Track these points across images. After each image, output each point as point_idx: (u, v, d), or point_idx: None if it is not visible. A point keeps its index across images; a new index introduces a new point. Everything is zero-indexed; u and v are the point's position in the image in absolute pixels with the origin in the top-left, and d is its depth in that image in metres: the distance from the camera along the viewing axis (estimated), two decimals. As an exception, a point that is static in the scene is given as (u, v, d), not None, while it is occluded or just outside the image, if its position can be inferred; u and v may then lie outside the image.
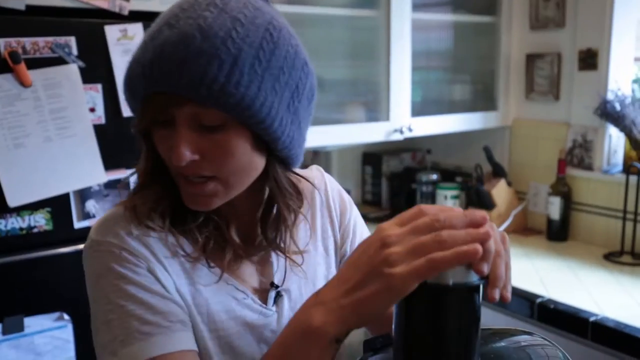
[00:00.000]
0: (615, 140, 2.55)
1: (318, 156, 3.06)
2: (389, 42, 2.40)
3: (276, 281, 0.94)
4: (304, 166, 1.03)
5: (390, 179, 3.19)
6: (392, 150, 3.18)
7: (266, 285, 0.94)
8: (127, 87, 0.80)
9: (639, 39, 2.55)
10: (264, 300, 0.93)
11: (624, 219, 2.41)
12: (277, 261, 0.95)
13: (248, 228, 0.92)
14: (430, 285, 0.59)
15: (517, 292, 2.06)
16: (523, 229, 2.83)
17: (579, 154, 2.59)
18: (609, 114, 2.41)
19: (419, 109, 2.55)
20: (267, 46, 0.78)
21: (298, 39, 0.85)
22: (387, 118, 2.43)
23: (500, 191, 2.74)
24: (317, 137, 2.20)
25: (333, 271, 1.04)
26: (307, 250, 0.98)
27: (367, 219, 2.83)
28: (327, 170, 3.13)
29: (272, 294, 0.93)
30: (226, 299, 0.89)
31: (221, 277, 0.88)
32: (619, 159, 2.57)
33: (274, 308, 0.93)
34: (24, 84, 1.60)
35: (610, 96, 2.43)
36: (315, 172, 1.10)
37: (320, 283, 0.97)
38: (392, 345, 0.65)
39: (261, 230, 0.91)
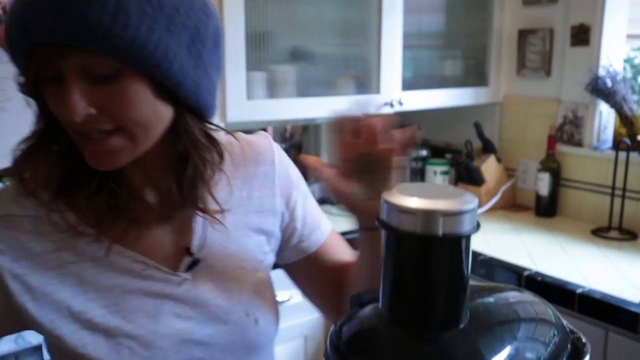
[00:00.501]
0: (605, 117, 2.56)
1: (308, 131, 3.04)
2: (380, 18, 2.38)
3: (194, 249, 0.84)
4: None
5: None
6: (383, 127, 3.16)
7: (182, 253, 0.85)
8: (7, 42, 0.72)
9: (631, 15, 2.54)
10: (177, 268, 0.84)
11: (612, 195, 2.42)
12: (200, 228, 0.86)
13: (163, 189, 0.84)
14: (419, 235, 0.58)
15: (505, 265, 2.08)
16: (512, 205, 2.84)
17: (569, 131, 2.59)
18: (600, 90, 2.41)
19: (409, 84, 2.53)
20: None
21: None
22: (377, 91, 2.41)
23: (489, 167, 2.74)
24: (307, 108, 2.19)
25: (266, 251, 0.94)
26: (229, 210, 0.86)
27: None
28: (317, 145, 3.14)
29: (186, 260, 0.83)
30: (119, 274, 0.80)
31: (109, 251, 0.79)
32: (608, 135, 2.58)
33: (184, 275, 0.83)
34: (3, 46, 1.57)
35: (601, 72, 2.43)
36: (262, 140, 0.98)
37: (249, 258, 0.89)
38: (379, 299, 0.65)
39: (177, 188, 0.82)
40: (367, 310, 0.67)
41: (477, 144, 2.79)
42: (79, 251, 0.79)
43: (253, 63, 2.07)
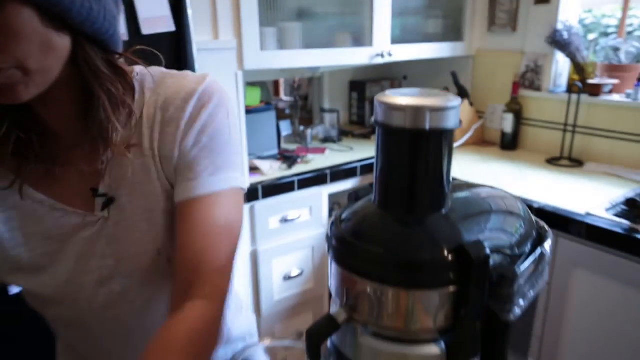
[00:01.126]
0: (561, 65, 2.52)
1: (312, 83, 2.98)
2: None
3: (105, 189, 0.71)
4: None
5: (372, 103, 3.13)
6: (374, 79, 3.12)
7: (90, 193, 0.72)
8: None
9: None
10: (92, 209, 0.72)
11: (564, 130, 2.43)
12: (111, 169, 0.72)
13: (73, 128, 0.70)
14: (409, 129, 0.55)
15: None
16: (481, 142, 2.84)
17: (530, 78, 2.55)
18: (557, 41, 2.36)
19: (397, 39, 2.46)
20: None
21: None
22: (370, 44, 2.35)
23: (463, 110, 2.71)
24: (311, 59, 2.16)
25: (165, 184, 0.74)
26: (136, 145, 0.71)
27: (353, 135, 2.84)
28: (320, 94, 3.08)
29: (99, 200, 0.71)
30: (42, 218, 0.70)
31: (22, 195, 0.69)
32: (563, 81, 2.55)
33: (99, 214, 0.72)
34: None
35: (559, 26, 2.36)
36: (194, 76, 0.75)
37: (158, 197, 0.73)
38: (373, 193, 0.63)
39: (85, 124, 0.67)
40: (362, 202, 0.65)
41: (453, 90, 2.75)
42: (7, 202, 0.70)
43: (265, 20, 2.02)
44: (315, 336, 0.60)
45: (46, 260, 0.71)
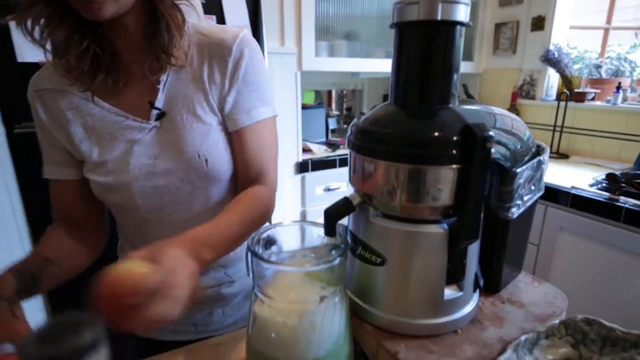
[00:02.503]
0: (552, 79, 2.30)
1: (355, 94, 2.88)
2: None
3: (158, 104, 0.66)
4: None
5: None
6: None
7: (148, 106, 0.67)
8: None
9: (574, 10, 2.22)
10: (148, 118, 0.67)
11: (554, 130, 2.20)
12: (164, 88, 0.66)
13: (138, 52, 0.64)
14: (422, 20, 0.44)
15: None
16: (484, 140, 2.61)
17: (527, 89, 2.34)
18: (549, 59, 2.15)
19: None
20: None
21: None
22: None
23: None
24: (353, 65, 2.06)
25: (216, 112, 0.68)
26: (188, 67, 0.66)
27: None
28: (360, 102, 2.95)
29: (154, 112, 0.66)
30: (108, 123, 0.66)
31: (94, 102, 0.65)
32: (553, 91, 2.32)
33: (154, 122, 0.66)
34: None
35: (551, 47, 2.14)
36: (232, 29, 0.69)
37: (203, 114, 0.67)
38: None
39: (145, 45, 0.63)
40: (380, 105, 0.54)
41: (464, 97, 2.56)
42: (83, 110, 0.66)
43: (319, 36, 1.96)
44: (332, 215, 0.51)
45: (108, 155, 0.66)
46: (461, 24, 0.44)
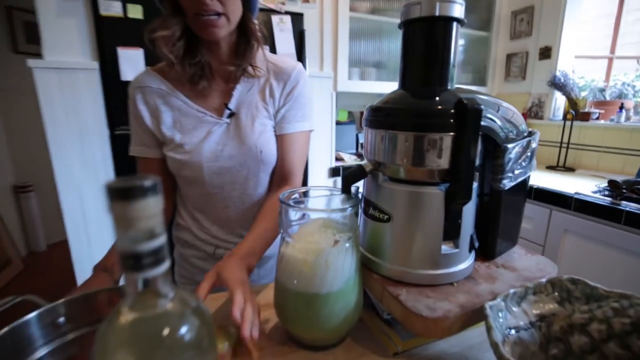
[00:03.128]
0: (559, 101, 2.20)
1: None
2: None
3: (231, 106, 0.73)
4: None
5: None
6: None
7: (224, 107, 0.74)
8: None
9: (578, 41, 2.13)
10: (221, 116, 0.74)
11: (560, 147, 2.10)
12: (237, 94, 0.74)
13: (226, 68, 0.72)
14: (423, 17, 0.46)
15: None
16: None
17: (535, 110, 2.26)
18: (556, 84, 2.07)
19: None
20: None
21: None
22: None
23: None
24: (380, 87, 2.07)
25: (270, 117, 0.76)
26: (259, 77, 0.74)
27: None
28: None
29: (226, 112, 0.73)
30: (193, 118, 0.73)
31: (187, 104, 0.72)
32: (560, 112, 2.23)
33: (226, 119, 0.73)
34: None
35: (557, 73, 2.06)
36: (292, 61, 0.80)
37: (261, 117, 0.75)
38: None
39: (236, 58, 0.71)
40: (390, 93, 0.56)
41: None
42: (172, 110, 0.73)
43: (352, 64, 1.99)
44: (348, 178, 0.53)
45: (187, 140, 0.73)
46: (457, 19, 0.46)
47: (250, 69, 0.72)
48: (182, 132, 0.73)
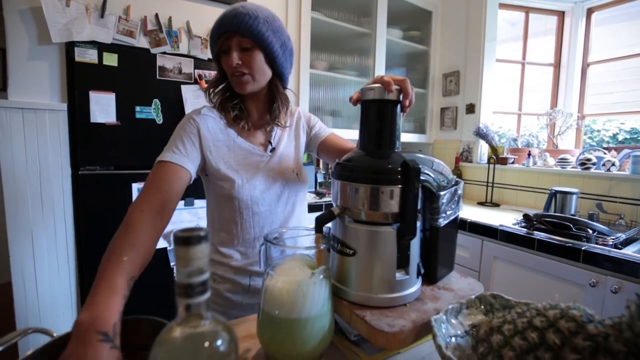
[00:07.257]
0: (483, 148, 2.50)
1: (338, 157, 3.05)
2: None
3: (273, 142, 0.89)
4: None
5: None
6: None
7: (267, 143, 0.89)
8: (211, 34, 0.80)
9: (495, 99, 2.50)
10: (265, 150, 0.88)
11: (487, 185, 2.36)
12: (275, 133, 0.90)
13: (262, 115, 0.88)
14: (377, 100, 0.59)
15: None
16: (437, 193, 2.76)
17: (466, 155, 2.55)
18: (480, 133, 2.37)
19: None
20: (272, 18, 0.79)
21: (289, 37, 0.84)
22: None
23: (426, 174, 2.68)
24: (337, 133, 2.21)
25: (302, 149, 0.94)
26: (288, 127, 0.92)
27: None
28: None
29: (269, 147, 0.88)
30: (244, 150, 0.85)
31: (237, 139, 0.85)
32: (485, 156, 2.52)
33: (268, 153, 0.88)
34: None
35: (481, 125, 2.38)
36: (296, 107, 0.99)
37: (296, 148, 0.92)
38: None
39: (268, 114, 0.88)
40: (352, 152, 0.68)
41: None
42: (227, 140, 0.84)
43: (312, 111, 2.13)
44: (320, 220, 0.62)
45: (236, 173, 0.83)
46: (397, 102, 0.60)
47: (274, 122, 0.88)
48: (232, 166, 0.83)
